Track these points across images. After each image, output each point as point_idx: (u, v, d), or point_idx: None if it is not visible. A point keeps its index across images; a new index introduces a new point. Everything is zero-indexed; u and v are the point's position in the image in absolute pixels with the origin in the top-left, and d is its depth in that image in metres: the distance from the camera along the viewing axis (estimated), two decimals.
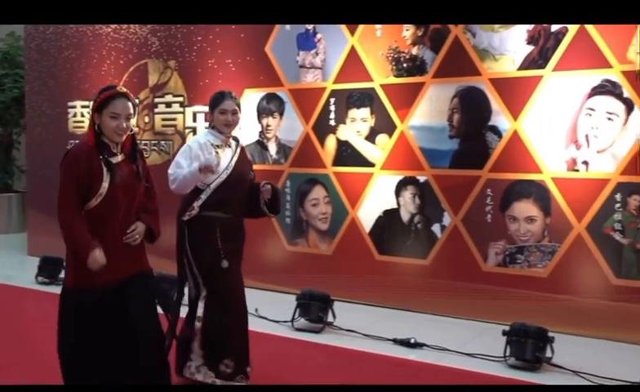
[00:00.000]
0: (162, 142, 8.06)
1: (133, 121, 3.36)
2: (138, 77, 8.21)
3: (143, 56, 8.16)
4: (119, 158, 3.34)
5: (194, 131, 7.75)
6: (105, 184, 3.21)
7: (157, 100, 8.10)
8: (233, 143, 4.23)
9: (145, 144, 8.18)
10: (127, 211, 3.34)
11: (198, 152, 4.03)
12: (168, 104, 8.00)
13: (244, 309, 4.25)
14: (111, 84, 3.57)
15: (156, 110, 8.11)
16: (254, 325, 5.64)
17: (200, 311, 4.07)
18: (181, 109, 7.87)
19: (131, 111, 3.31)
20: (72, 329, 3.28)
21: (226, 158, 4.11)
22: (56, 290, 6.92)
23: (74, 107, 8.86)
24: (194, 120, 7.77)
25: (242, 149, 4.30)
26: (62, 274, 7.23)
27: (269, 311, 5.96)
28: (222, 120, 4.10)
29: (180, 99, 7.88)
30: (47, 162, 9.06)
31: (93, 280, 3.22)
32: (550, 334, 4.74)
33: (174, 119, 7.96)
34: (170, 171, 4.03)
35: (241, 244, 4.25)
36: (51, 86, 9.09)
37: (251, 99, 7.25)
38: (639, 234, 5.29)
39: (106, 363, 3.28)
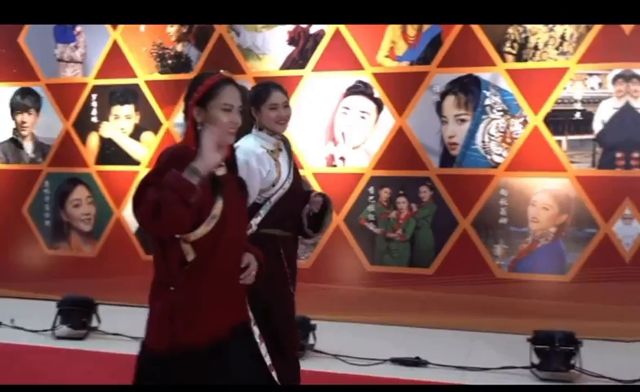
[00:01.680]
0: None
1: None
2: None
3: None
4: (224, 169, 2.45)
5: None
6: (220, 204, 2.31)
7: None
8: (282, 144, 3.42)
9: None
10: (240, 239, 2.47)
11: (259, 168, 3.21)
12: None
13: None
14: (208, 71, 2.55)
15: None
16: (9, 337, 5.30)
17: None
18: None
19: (241, 103, 2.44)
20: None
21: (284, 165, 3.33)
22: None
23: None
24: None
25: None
26: None
27: (28, 321, 5.56)
28: (273, 117, 3.32)
29: None
30: None
31: (200, 333, 2.27)
32: (313, 322, 4.98)
33: None
34: None
35: (296, 267, 3.45)
36: None
37: (2, 94, 6.72)
38: (389, 224, 5.77)
39: None
